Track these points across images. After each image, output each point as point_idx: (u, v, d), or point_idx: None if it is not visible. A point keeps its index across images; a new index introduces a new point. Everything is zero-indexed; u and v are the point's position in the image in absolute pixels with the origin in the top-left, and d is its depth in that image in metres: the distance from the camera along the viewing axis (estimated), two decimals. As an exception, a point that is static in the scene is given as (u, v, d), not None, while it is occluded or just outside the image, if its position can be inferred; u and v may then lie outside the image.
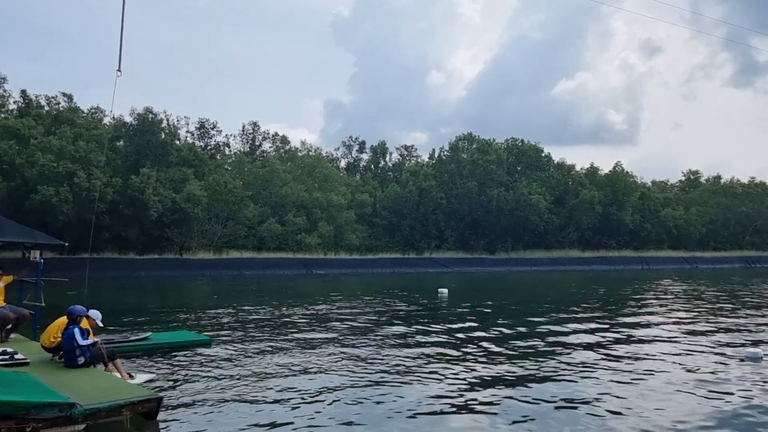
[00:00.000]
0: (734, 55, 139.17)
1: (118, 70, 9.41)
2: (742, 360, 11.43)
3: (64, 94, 52.82)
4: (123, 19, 8.72)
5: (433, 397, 8.72)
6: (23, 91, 50.97)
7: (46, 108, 51.19)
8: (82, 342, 8.61)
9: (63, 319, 9.09)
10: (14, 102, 50.48)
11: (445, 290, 26.38)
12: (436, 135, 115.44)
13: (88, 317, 9.40)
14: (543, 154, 68.21)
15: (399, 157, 75.52)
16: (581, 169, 70.50)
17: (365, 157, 75.99)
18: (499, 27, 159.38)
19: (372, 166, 75.04)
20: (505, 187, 61.26)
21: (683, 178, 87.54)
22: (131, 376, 8.94)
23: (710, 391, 9.04)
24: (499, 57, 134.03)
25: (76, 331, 8.62)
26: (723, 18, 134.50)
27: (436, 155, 70.70)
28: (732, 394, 8.93)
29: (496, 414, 7.89)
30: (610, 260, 62.65)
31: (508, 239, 62.05)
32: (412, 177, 61.87)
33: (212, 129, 64.80)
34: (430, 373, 10.27)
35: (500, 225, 60.68)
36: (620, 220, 65.27)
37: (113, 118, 54.14)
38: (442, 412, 7.98)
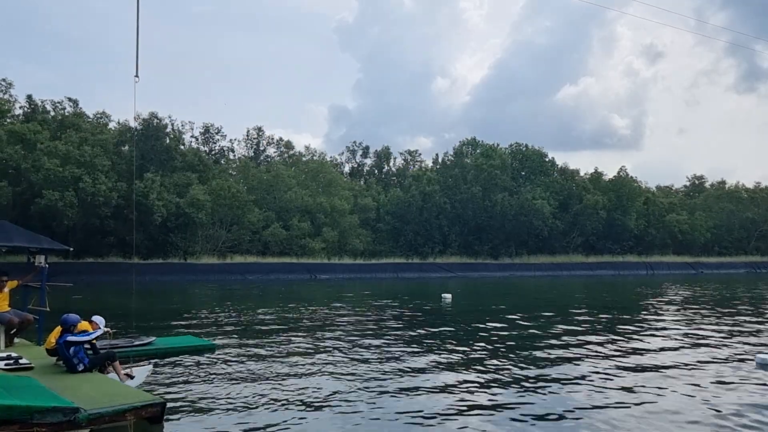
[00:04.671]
0: (738, 61, 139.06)
1: (136, 75, 9.46)
2: (754, 366, 11.33)
3: (70, 99, 53.22)
4: (138, 24, 8.77)
5: (436, 403, 8.69)
6: (29, 96, 51.43)
7: (52, 113, 51.49)
8: (76, 339, 8.59)
9: None
10: (20, 107, 50.88)
11: (449, 295, 26.33)
12: (440, 140, 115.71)
13: (91, 323, 9.42)
14: (547, 159, 68.22)
15: (403, 162, 75.68)
16: (585, 174, 70.53)
17: (369, 162, 76.23)
18: (503, 32, 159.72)
19: (376, 171, 75.16)
20: (509, 192, 61.23)
21: (688, 183, 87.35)
22: (130, 376, 8.94)
23: (723, 398, 8.92)
24: (503, 62, 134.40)
25: (70, 337, 8.60)
26: (726, 24, 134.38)
27: (440, 160, 70.77)
28: (745, 400, 8.82)
29: (496, 419, 7.87)
30: (615, 265, 62.47)
31: (512, 244, 61.98)
32: (416, 182, 61.91)
33: (217, 134, 65.20)
34: (434, 378, 10.25)
35: (504, 230, 60.62)
36: (624, 225, 65.12)
37: (119, 122, 54.36)
38: (444, 418, 7.95)
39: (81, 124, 49.47)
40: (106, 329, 9.42)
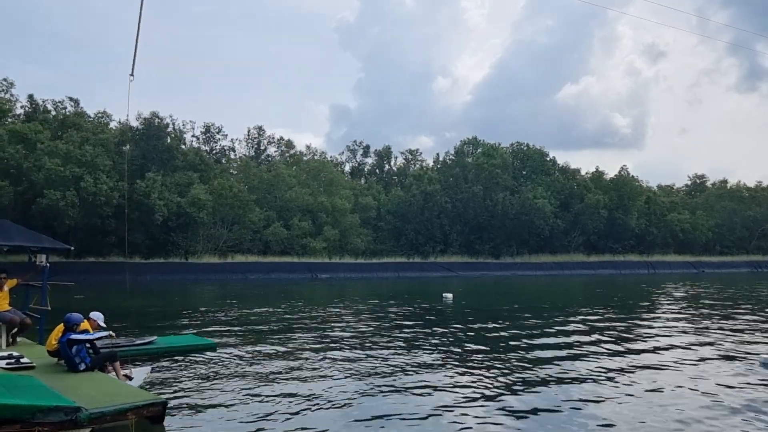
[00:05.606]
0: (739, 61, 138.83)
1: (131, 74, 9.37)
2: (759, 366, 11.28)
3: (71, 99, 53.17)
4: (140, 22, 8.71)
5: (438, 402, 8.69)
6: (30, 96, 51.42)
7: (53, 112, 51.47)
8: (79, 337, 8.59)
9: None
10: (21, 107, 50.88)
11: (450, 295, 26.32)
12: (441, 139, 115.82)
13: (89, 319, 9.42)
14: (548, 159, 68.15)
15: (404, 161, 75.62)
16: (586, 173, 70.45)
17: (369, 161, 76.19)
18: (504, 32, 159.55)
19: (377, 170, 75.10)
20: (510, 191, 61.20)
21: (689, 182, 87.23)
22: (129, 378, 8.95)
23: (729, 398, 8.89)
24: (504, 62, 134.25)
25: (73, 335, 8.60)
26: (728, 22, 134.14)
27: (441, 159, 70.69)
28: (751, 400, 8.77)
29: (497, 416, 7.87)
30: (616, 264, 62.44)
31: (513, 243, 61.94)
32: (416, 181, 61.89)
33: (218, 133, 65.20)
34: (436, 378, 10.24)
35: (505, 229, 60.58)
36: (626, 224, 65.07)
37: (120, 122, 54.42)
38: (446, 418, 7.95)
39: (82, 124, 49.42)
40: (110, 333, 9.40)
